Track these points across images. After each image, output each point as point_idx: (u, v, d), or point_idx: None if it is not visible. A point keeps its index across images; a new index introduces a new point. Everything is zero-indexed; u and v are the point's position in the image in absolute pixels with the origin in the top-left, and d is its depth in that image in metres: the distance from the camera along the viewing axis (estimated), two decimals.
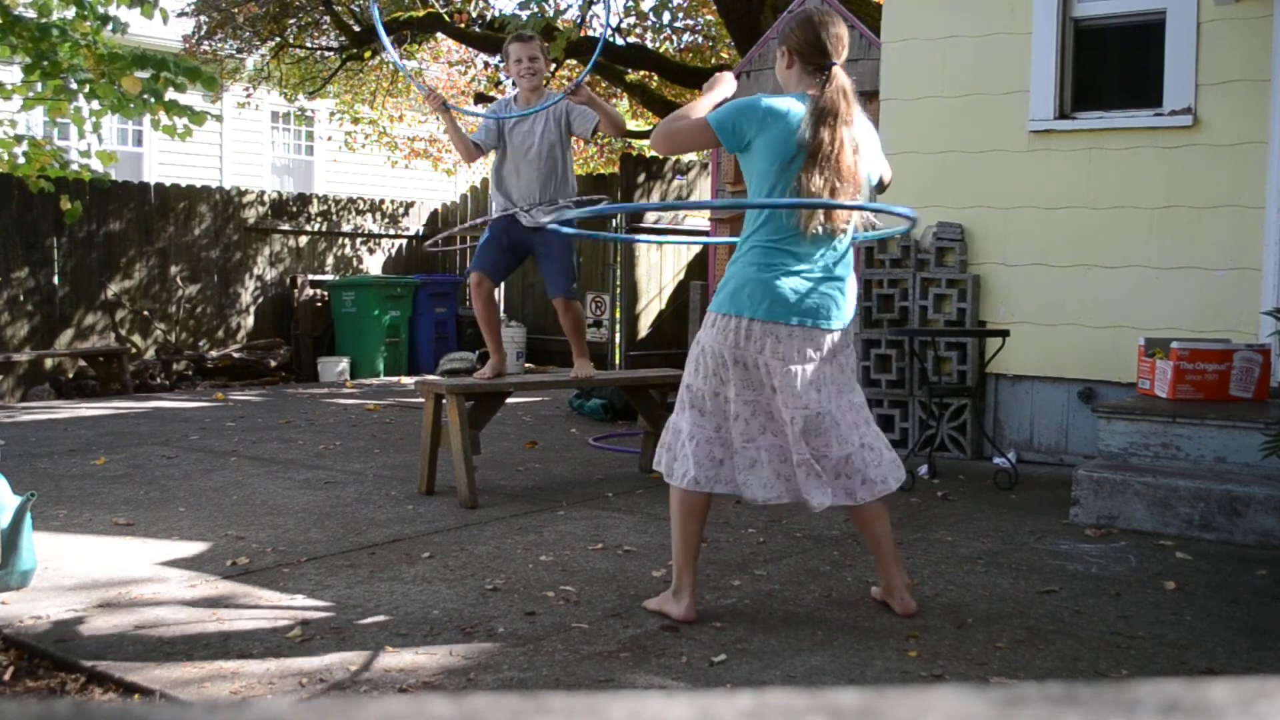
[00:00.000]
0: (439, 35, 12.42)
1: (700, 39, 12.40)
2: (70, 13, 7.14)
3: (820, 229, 3.11)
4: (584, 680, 2.74)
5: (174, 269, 10.65)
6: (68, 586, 3.53)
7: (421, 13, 11.35)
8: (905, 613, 3.26)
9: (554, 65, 5.09)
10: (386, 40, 3.61)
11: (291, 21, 12.51)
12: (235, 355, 10.80)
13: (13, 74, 9.55)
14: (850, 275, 3.26)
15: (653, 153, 14.91)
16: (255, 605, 3.35)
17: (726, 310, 3.16)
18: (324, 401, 8.71)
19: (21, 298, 9.62)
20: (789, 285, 3.11)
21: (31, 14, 7.24)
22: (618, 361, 9.65)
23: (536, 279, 11.72)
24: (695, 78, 11.07)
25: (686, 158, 15.16)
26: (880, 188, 3.44)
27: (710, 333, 3.21)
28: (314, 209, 11.84)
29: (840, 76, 3.19)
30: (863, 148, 3.20)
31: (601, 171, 13.94)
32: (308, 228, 11.69)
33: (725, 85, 3.51)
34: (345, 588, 3.52)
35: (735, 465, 3.22)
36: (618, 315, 9.85)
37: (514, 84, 5.37)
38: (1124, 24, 5.78)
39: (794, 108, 3.16)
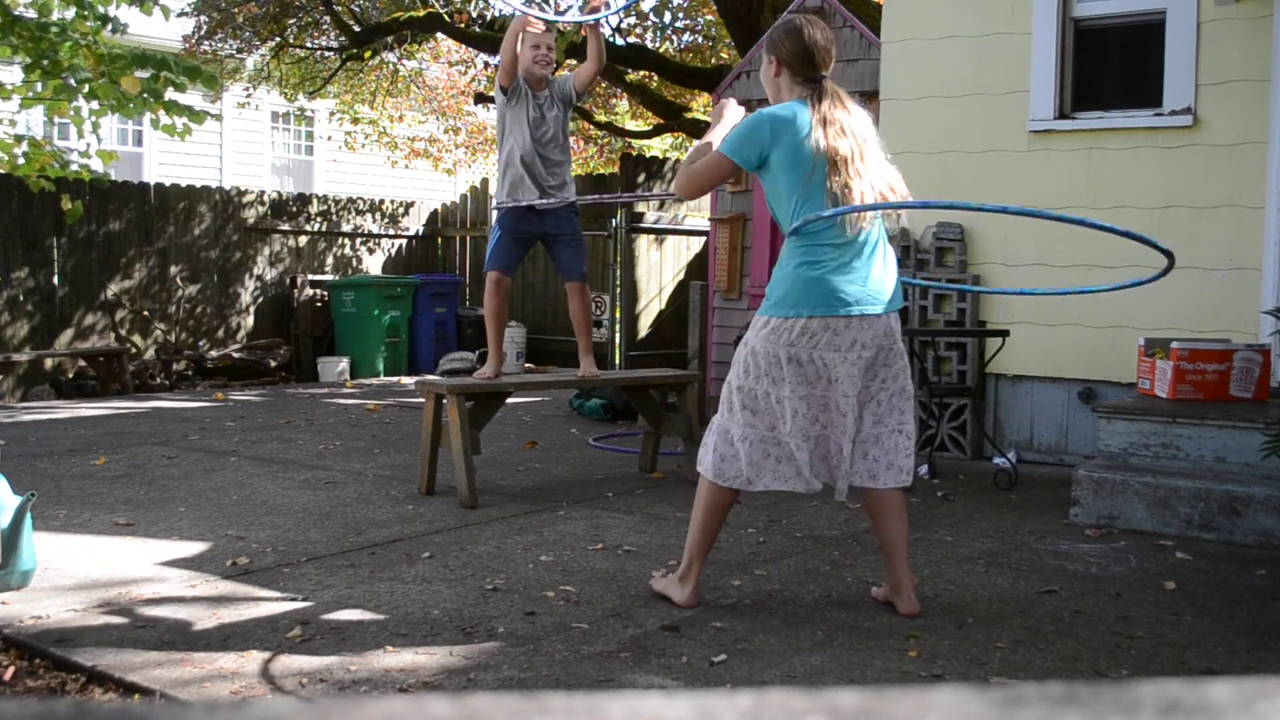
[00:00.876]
0: (439, 35, 12.41)
1: (700, 39, 12.39)
2: (70, 13, 7.14)
3: (857, 226, 3.18)
4: (584, 680, 2.74)
5: (174, 269, 10.65)
6: (68, 586, 3.52)
7: (421, 13, 11.35)
8: (910, 613, 3.27)
9: (554, 66, 5.07)
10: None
11: (291, 21, 12.50)
12: (235, 355, 10.80)
13: (13, 74, 9.55)
14: (891, 255, 3.32)
15: (652, 153, 14.92)
16: (255, 605, 3.35)
17: (781, 314, 3.21)
18: (324, 401, 8.71)
19: (21, 298, 9.62)
20: (837, 279, 3.17)
21: (31, 14, 7.24)
22: (618, 361, 9.65)
23: (536, 279, 11.73)
24: (695, 78, 11.07)
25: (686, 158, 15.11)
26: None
27: (762, 334, 3.26)
28: (314, 209, 11.83)
29: (831, 88, 3.27)
30: (870, 149, 3.26)
31: (601, 171, 13.94)
32: (308, 228, 11.69)
33: (731, 112, 3.53)
34: (345, 588, 3.52)
35: (783, 460, 3.29)
36: (618, 315, 9.85)
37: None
38: (1124, 24, 5.78)
39: (799, 113, 3.21)
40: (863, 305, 3.18)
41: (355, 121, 15.11)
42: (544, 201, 5.27)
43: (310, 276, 11.50)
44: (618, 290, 9.27)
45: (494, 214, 5.60)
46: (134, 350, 10.27)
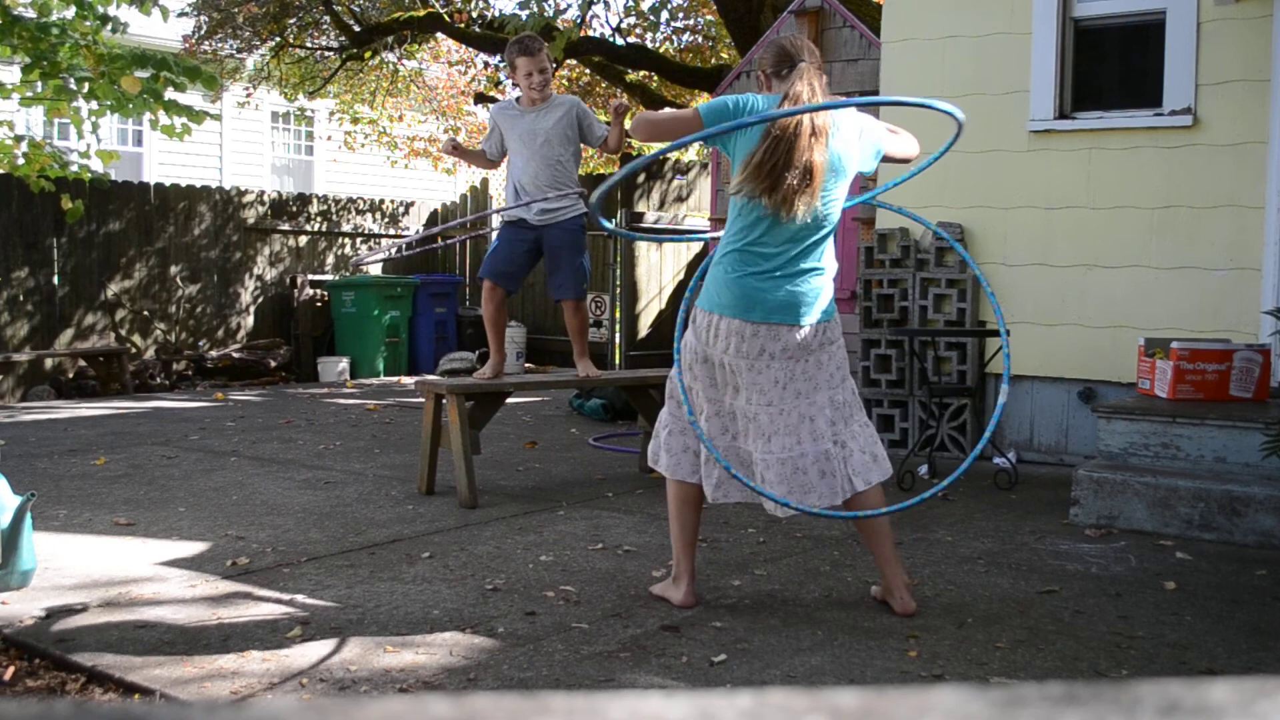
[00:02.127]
0: (439, 35, 12.41)
1: (700, 39, 12.39)
2: (70, 12, 7.13)
3: (784, 216, 3.14)
4: (584, 680, 2.74)
5: (174, 269, 10.65)
6: (68, 586, 3.52)
7: (421, 13, 11.35)
8: (905, 612, 3.27)
9: (554, 65, 5.05)
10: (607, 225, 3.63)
11: (291, 21, 12.51)
12: (235, 355, 10.79)
13: (13, 74, 9.55)
14: (827, 270, 3.29)
15: (652, 151, 14.92)
16: (255, 605, 3.35)
17: (702, 306, 3.28)
18: (324, 401, 8.71)
19: (21, 298, 9.62)
20: (755, 284, 3.18)
21: (31, 14, 7.24)
22: (618, 361, 9.65)
23: (536, 279, 11.72)
24: (695, 78, 11.07)
25: (687, 157, 15.12)
26: (888, 159, 3.53)
27: (692, 328, 3.34)
28: (314, 209, 11.83)
29: (805, 70, 3.23)
30: (834, 130, 3.18)
31: (601, 171, 13.94)
32: (308, 228, 11.69)
33: None
34: (345, 588, 3.52)
35: (701, 459, 3.35)
36: (618, 315, 9.85)
37: (515, 85, 5.39)
38: (1124, 24, 5.78)
39: (764, 98, 3.23)
40: (779, 314, 3.18)
41: (355, 121, 15.11)
42: (510, 209, 5.19)
43: (310, 276, 11.50)
44: (618, 290, 9.27)
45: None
46: (134, 350, 10.27)
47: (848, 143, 3.24)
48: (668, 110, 3.39)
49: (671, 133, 3.32)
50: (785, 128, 3.09)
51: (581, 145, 5.30)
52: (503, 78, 13.13)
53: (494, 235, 5.51)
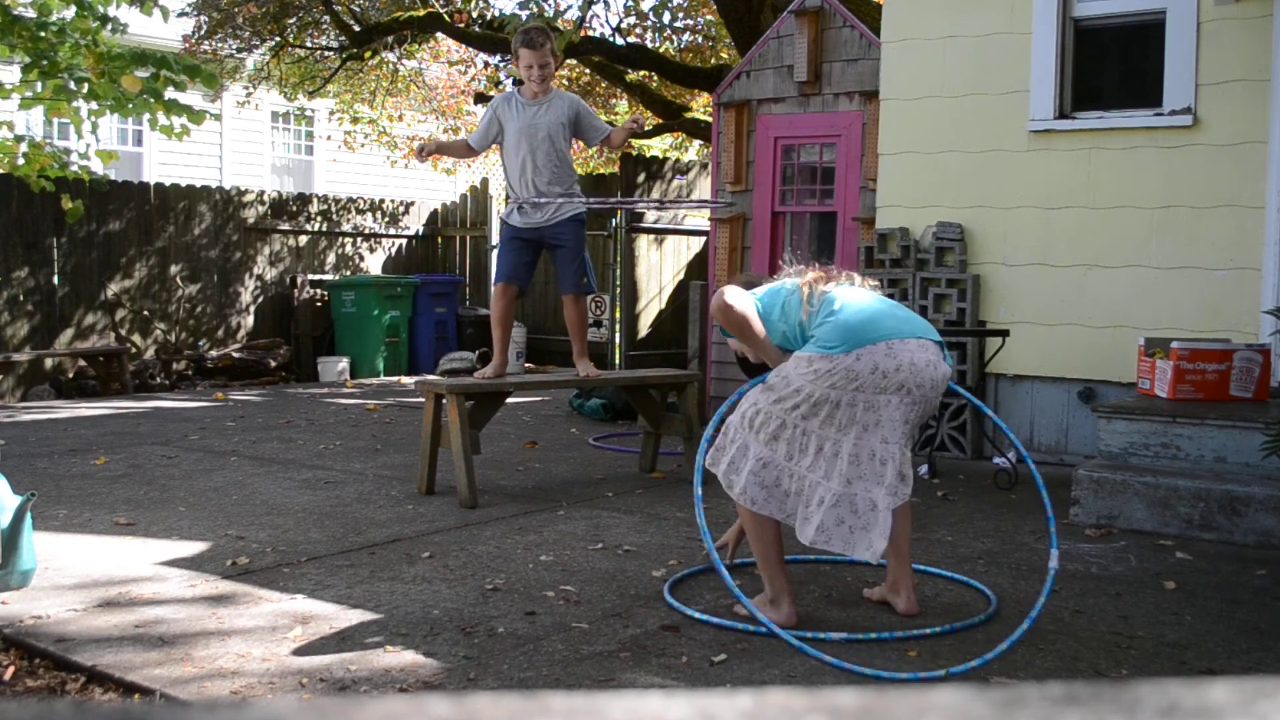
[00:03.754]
0: (439, 35, 12.41)
1: (700, 39, 12.39)
2: (70, 12, 7.13)
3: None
4: (584, 680, 2.74)
5: (174, 269, 10.65)
6: (68, 586, 3.52)
7: (421, 13, 11.35)
8: (908, 612, 3.27)
9: (551, 76, 5.05)
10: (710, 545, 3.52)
11: (291, 21, 12.51)
12: (235, 355, 10.79)
13: (13, 74, 9.55)
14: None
15: (652, 153, 14.92)
16: (255, 605, 3.35)
17: None
18: (324, 401, 8.71)
19: (21, 297, 9.62)
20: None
21: (31, 14, 7.23)
22: (618, 361, 9.65)
23: (536, 278, 11.70)
24: (695, 78, 11.06)
25: (686, 157, 15.13)
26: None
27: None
28: (314, 208, 11.83)
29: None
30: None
31: (601, 171, 13.94)
32: (308, 227, 11.69)
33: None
34: (345, 588, 3.52)
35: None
36: (618, 315, 9.85)
37: (515, 83, 5.41)
38: (1124, 24, 5.78)
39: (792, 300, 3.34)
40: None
41: (355, 121, 15.11)
42: (527, 205, 5.21)
43: (310, 276, 11.50)
44: (618, 290, 9.27)
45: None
46: (134, 350, 10.27)
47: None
48: (746, 319, 3.30)
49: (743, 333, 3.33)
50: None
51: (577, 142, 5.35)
52: (503, 77, 13.12)
53: (495, 235, 5.53)
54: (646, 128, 13.19)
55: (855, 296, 3.25)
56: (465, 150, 5.50)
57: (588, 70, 12.28)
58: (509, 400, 6.21)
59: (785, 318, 3.26)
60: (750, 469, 3.21)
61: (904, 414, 3.14)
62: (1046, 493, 3.36)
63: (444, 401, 4.89)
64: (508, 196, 5.48)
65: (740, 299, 3.27)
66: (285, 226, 11.47)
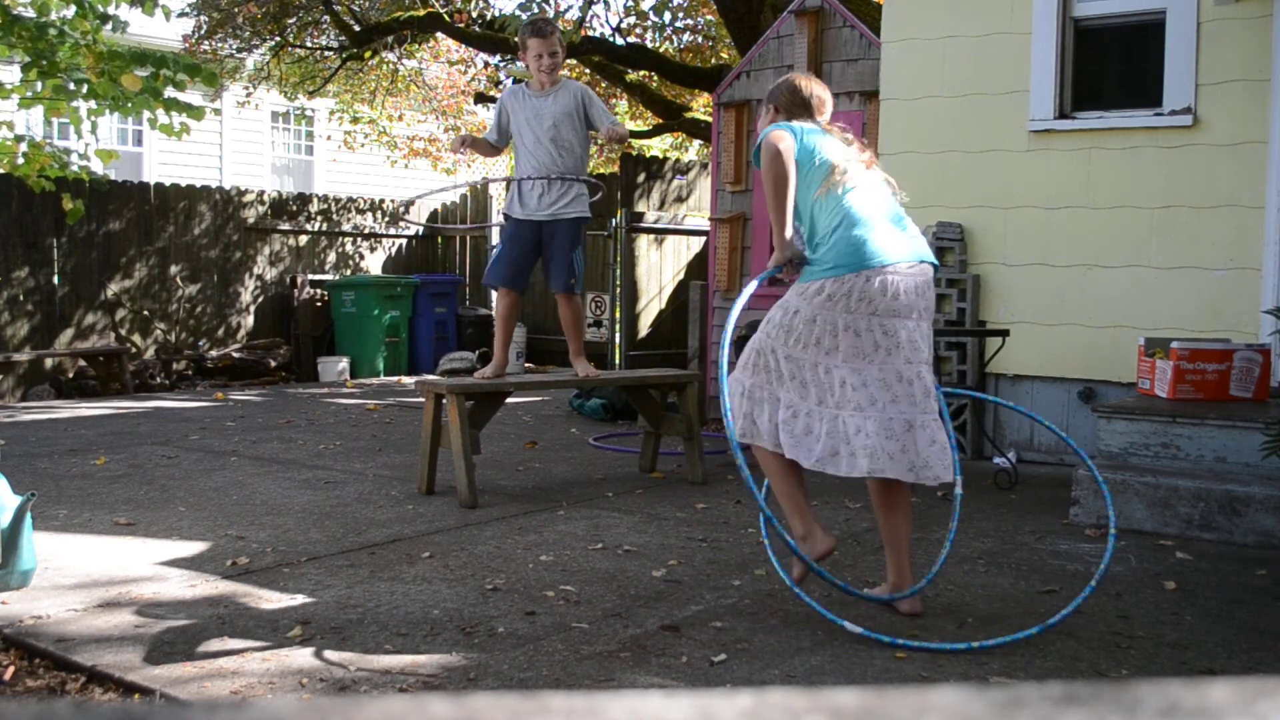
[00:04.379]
0: (439, 35, 12.41)
1: (700, 39, 12.39)
2: (70, 11, 7.13)
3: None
4: (584, 680, 2.74)
5: (174, 269, 10.65)
6: (68, 586, 3.52)
7: (421, 12, 11.35)
8: (911, 612, 3.27)
9: (560, 68, 5.06)
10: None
11: (291, 21, 12.51)
12: (235, 355, 10.79)
13: (13, 74, 9.55)
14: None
15: (652, 153, 14.92)
16: (255, 605, 3.35)
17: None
18: (324, 401, 8.72)
19: (21, 297, 9.62)
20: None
21: (31, 14, 7.23)
22: (618, 361, 9.65)
23: (536, 278, 11.71)
24: (695, 78, 11.06)
25: (686, 157, 15.12)
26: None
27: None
28: (314, 208, 11.83)
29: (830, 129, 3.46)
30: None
31: (601, 171, 13.94)
32: (308, 227, 11.69)
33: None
34: (345, 588, 3.52)
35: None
36: (618, 315, 9.85)
37: (515, 83, 5.42)
38: (1124, 24, 5.78)
39: (808, 126, 3.41)
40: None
41: (355, 121, 15.11)
42: (530, 196, 5.21)
43: (310, 276, 11.50)
44: (618, 290, 9.27)
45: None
46: (134, 350, 10.27)
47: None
48: (772, 176, 3.28)
49: (788, 175, 3.30)
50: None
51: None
52: (503, 77, 13.12)
53: (496, 232, 5.54)
54: (646, 128, 13.21)
55: (867, 208, 3.25)
56: (489, 149, 5.46)
57: (588, 70, 12.28)
58: (509, 400, 6.21)
59: (805, 184, 3.29)
60: (782, 419, 3.26)
61: (921, 334, 3.24)
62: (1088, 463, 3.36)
63: (444, 401, 4.89)
64: (506, 190, 5.48)
65: (790, 155, 3.25)
66: (285, 226, 11.46)
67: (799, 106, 3.45)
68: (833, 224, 3.23)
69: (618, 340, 9.43)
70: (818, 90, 3.49)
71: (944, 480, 3.21)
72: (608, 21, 15.87)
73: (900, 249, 3.22)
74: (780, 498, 3.36)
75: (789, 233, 3.31)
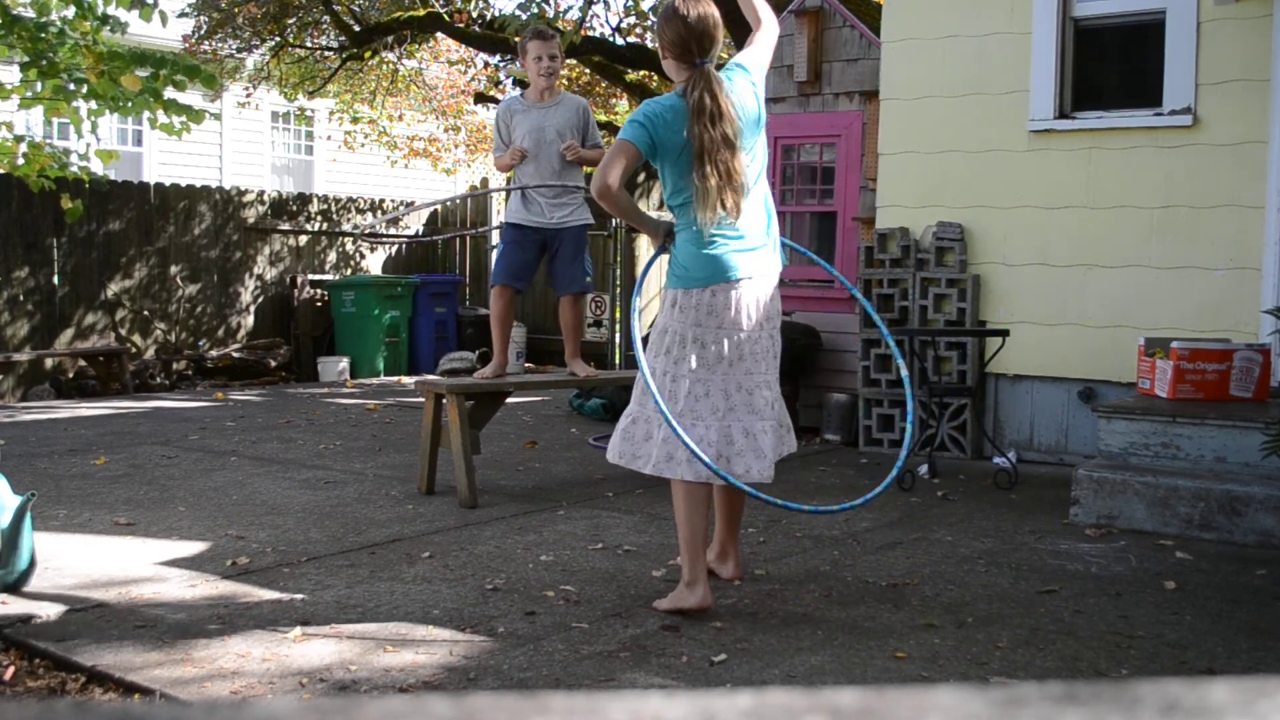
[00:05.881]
0: (439, 35, 12.41)
1: None
2: (70, 12, 7.13)
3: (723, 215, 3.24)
4: (584, 680, 2.74)
5: (174, 269, 10.65)
6: (68, 586, 3.52)
7: (421, 12, 11.35)
8: (734, 578, 3.50)
9: (558, 75, 5.09)
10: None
11: (291, 21, 12.51)
12: (235, 355, 10.79)
13: (13, 74, 9.55)
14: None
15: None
16: (255, 605, 3.35)
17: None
18: (324, 401, 8.71)
19: (21, 297, 9.62)
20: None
21: (30, 14, 7.23)
22: (618, 361, 9.64)
23: (536, 278, 11.71)
24: None
25: None
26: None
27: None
28: (314, 208, 11.83)
29: (706, 74, 3.24)
30: (742, 132, 3.25)
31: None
32: (308, 227, 11.69)
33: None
34: (345, 588, 3.52)
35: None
36: (618, 315, 9.84)
37: (515, 83, 5.42)
38: (1124, 24, 5.78)
39: (666, 105, 3.26)
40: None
41: (355, 121, 15.12)
42: (534, 201, 5.21)
43: (310, 276, 11.50)
44: (618, 290, 9.26)
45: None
46: (134, 350, 10.27)
47: (744, 96, 3.31)
48: (606, 161, 3.26)
49: (624, 169, 3.25)
50: (711, 143, 3.17)
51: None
52: (503, 77, 13.13)
53: (496, 235, 5.53)
54: None
55: (722, 214, 3.22)
56: (507, 164, 5.43)
57: (588, 70, 12.28)
58: (509, 400, 6.21)
59: (673, 165, 3.25)
60: (621, 426, 3.49)
61: (765, 347, 3.33)
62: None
63: (444, 401, 4.89)
64: (507, 197, 5.48)
65: (616, 186, 3.21)
66: (285, 226, 11.46)
67: (678, 46, 3.25)
68: (690, 222, 3.27)
69: (618, 340, 9.43)
70: (694, 18, 3.23)
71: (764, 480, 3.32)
72: (608, 21, 15.87)
73: (748, 264, 3.26)
74: (684, 534, 3.31)
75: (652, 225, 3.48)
